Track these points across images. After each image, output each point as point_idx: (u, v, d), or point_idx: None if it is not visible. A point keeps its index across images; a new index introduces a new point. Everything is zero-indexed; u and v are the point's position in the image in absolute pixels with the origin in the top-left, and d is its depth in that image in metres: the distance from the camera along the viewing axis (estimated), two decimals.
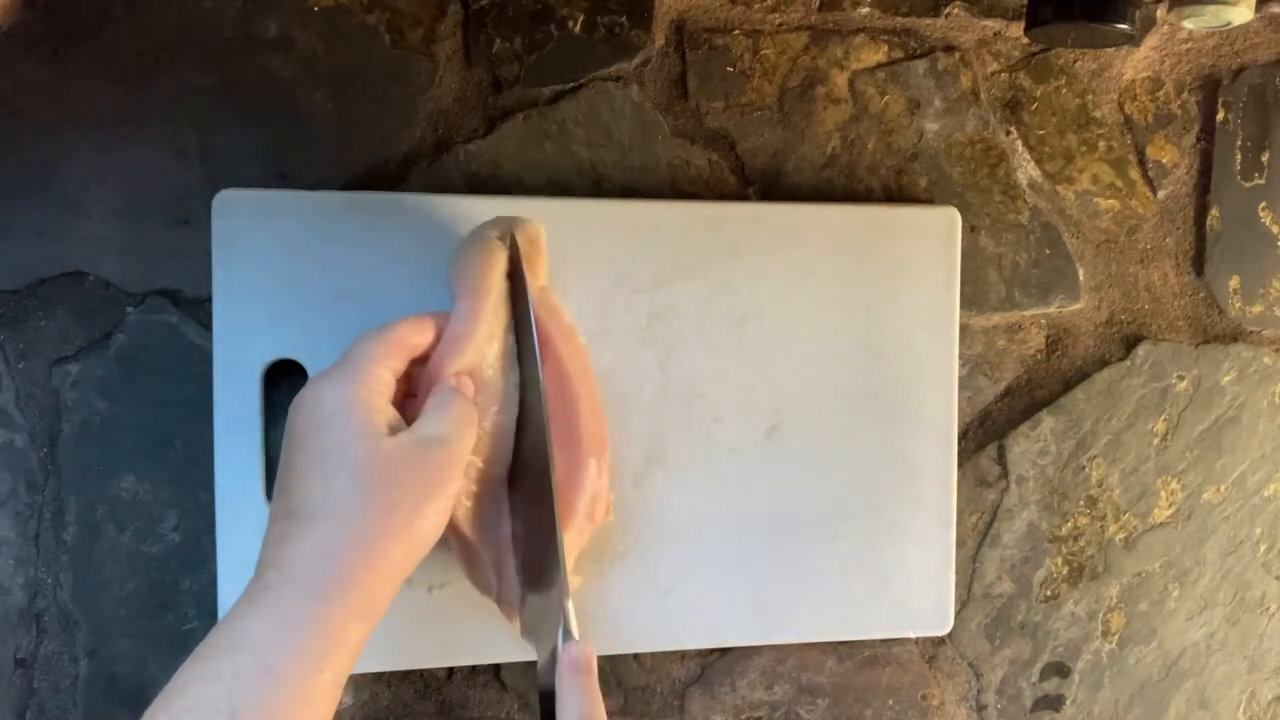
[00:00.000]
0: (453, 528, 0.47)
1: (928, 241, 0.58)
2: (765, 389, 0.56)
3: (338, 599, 0.38)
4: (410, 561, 0.41)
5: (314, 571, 0.38)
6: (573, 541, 0.50)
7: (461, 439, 0.43)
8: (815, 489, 0.57)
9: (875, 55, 0.60)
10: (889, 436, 0.58)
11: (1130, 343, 0.65)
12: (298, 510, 0.39)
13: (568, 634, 0.44)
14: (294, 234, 0.51)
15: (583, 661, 0.43)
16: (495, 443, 0.48)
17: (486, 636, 0.53)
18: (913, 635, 0.60)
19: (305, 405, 0.41)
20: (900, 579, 0.58)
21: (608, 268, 0.54)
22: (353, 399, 0.41)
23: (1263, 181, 0.65)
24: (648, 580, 0.55)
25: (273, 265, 0.50)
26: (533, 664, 0.53)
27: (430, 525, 0.41)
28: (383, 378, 0.42)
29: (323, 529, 0.39)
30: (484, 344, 0.47)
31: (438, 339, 0.46)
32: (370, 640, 0.49)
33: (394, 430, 0.41)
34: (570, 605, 0.45)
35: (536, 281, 0.50)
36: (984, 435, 0.63)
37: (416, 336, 0.45)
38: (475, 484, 0.47)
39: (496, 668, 0.58)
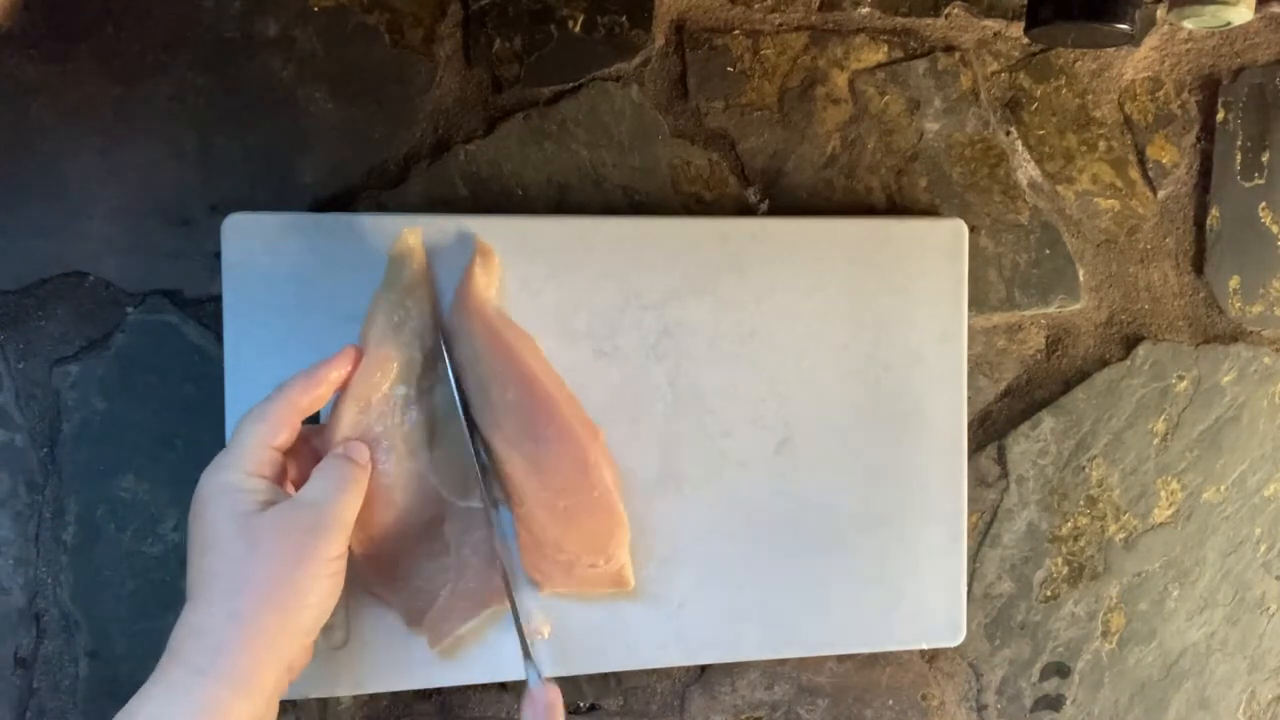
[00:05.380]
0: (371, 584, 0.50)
1: (935, 254, 0.58)
2: (775, 403, 0.56)
3: (215, 673, 0.40)
4: (288, 631, 0.42)
5: (193, 647, 0.40)
6: (619, 516, 0.52)
7: (336, 501, 0.44)
8: (826, 502, 0.57)
9: (875, 55, 0.60)
10: (899, 449, 0.58)
11: (1130, 343, 0.65)
12: (188, 593, 0.42)
13: (536, 676, 0.48)
14: (303, 256, 0.51)
15: (548, 704, 0.46)
16: (408, 487, 0.49)
17: (500, 655, 0.53)
18: (925, 646, 0.60)
19: (194, 495, 0.43)
20: (912, 591, 0.58)
21: (616, 285, 0.54)
22: (224, 484, 0.43)
23: (1263, 181, 0.65)
24: (660, 595, 0.55)
25: (282, 287, 0.50)
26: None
27: (305, 591, 0.42)
28: (259, 458, 0.44)
29: (201, 607, 0.41)
30: (369, 398, 0.48)
31: (339, 383, 0.48)
32: (386, 660, 0.51)
33: (269, 505, 0.43)
34: (532, 647, 0.49)
35: (486, 291, 0.51)
36: (984, 435, 0.63)
37: (302, 399, 0.46)
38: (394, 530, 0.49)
39: None
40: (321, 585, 0.43)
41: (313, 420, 0.48)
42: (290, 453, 0.46)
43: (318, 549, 0.42)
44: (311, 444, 0.48)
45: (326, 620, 0.44)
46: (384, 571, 0.50)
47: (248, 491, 0.43)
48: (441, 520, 0.50)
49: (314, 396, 0.46)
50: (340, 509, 0.44)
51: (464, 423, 0.49)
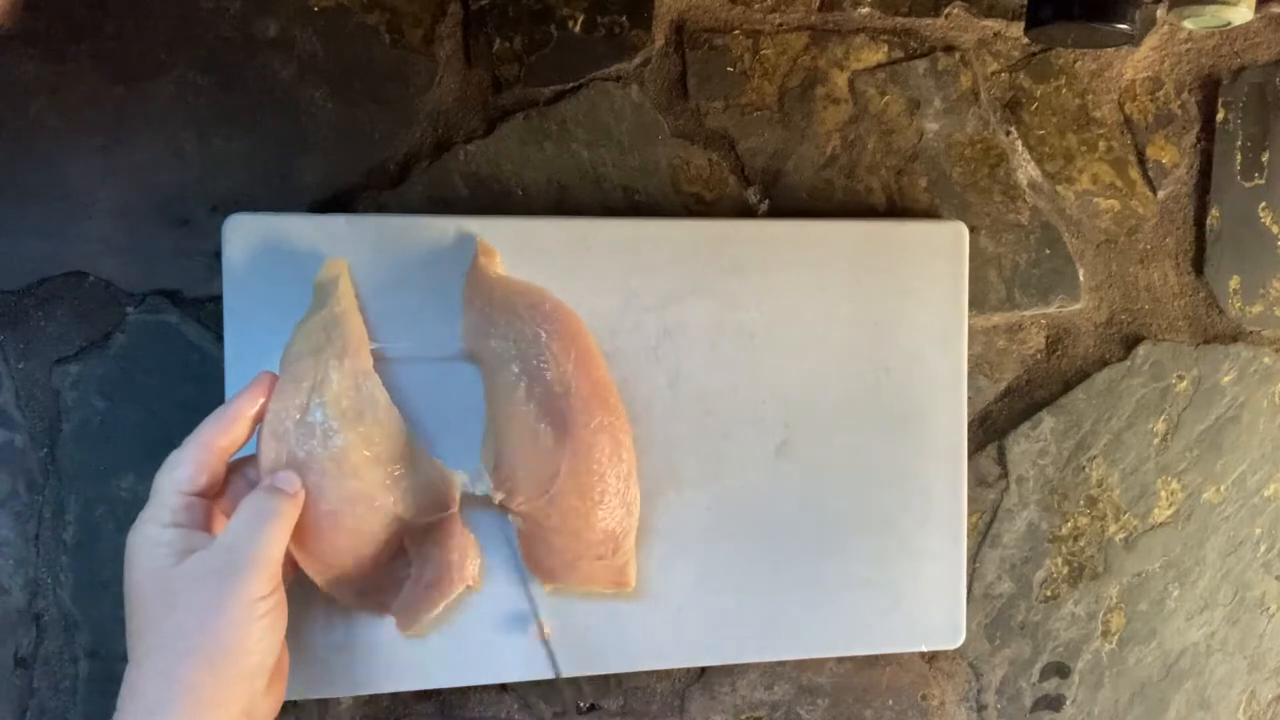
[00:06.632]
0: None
1: (935, 257, 0.58)
2: (775, 405, 0.56)
3: None
4: (224, 682, 0.41)
5: (132, 709, 0.40)
6: (636, 504, 0.52)
7: (253, 540, 0.42)
8: (826, 504, 0.57)
9: (875, 55, 0.60)
10: (899, 451, 0.58)
11: (1130, 343, 0.65)
12: (127, 651, 0.42)
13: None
14: (303, 256, 0.50)
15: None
16: (358, 508, 0.47)
17: (504, 655, 0.53)
18: (924, 649, 0.60)
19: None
20: (911, 593, 0.58)
21: (617, 287, 0.54)
22: (143, 539, 0.42)
23: (1263, 181, 0.65)
24: (660, 597, 0.55)
25: (282, 287, 0.50)
26: (545, 681, 0.53)
27: (230, 640, 0.41)
28: (174, 506, 0.43)
29: (134, 667, 0.41)
30: (285, 425, 0.46)
31: (259, 416, 0.46)
32: (386, 660, 0.51)
33: (188, 554, 0.42)
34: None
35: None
36: (984, 435, 0.63)
37: (220, 440, 0.44)
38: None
39: None
40: (250, 630, 0.41)
41: None
42: (227, 491, 0.45)
43: (237, 593, 0.41)
44: (249, 478, 0.46)
45: (269, 663, 0.42)
46: (348, 588, 0.49)
47: (164, 544, 0.42)
48: (400, 535, 0.49)
49: (232, 436, 0.45)
50: (259, 547, 0.42)
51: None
